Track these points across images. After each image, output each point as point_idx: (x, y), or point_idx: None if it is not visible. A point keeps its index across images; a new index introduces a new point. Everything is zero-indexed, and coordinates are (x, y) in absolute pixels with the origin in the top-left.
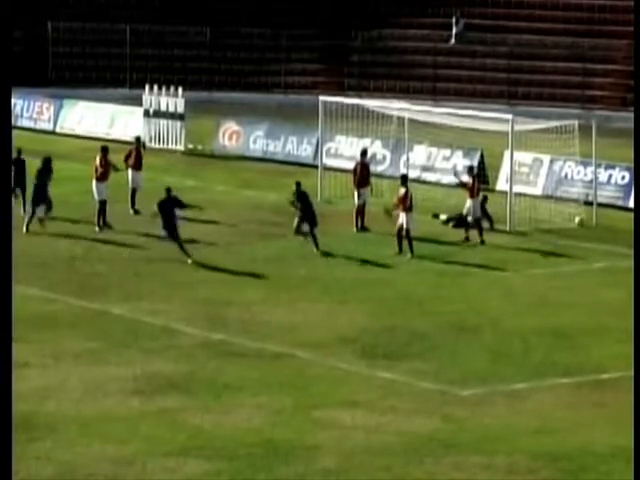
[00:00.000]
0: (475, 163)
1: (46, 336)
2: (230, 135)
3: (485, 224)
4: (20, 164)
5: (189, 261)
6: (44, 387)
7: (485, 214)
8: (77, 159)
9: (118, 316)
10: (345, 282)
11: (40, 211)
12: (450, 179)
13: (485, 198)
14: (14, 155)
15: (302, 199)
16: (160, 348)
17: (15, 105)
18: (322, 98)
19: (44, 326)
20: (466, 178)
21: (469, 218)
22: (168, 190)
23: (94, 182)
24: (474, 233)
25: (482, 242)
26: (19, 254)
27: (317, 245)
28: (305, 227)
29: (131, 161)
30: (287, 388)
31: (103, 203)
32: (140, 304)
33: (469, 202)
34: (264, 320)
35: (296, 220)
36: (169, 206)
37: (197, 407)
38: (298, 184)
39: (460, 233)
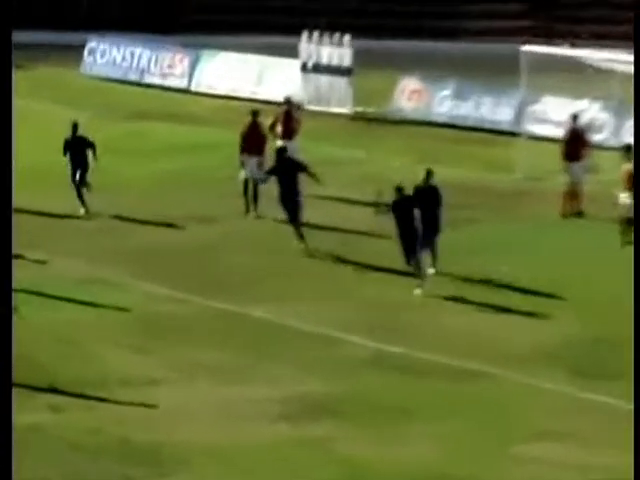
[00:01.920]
0: None
1: (174, 346)
2: (409, 95)
3: None
4: (79, 143)
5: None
6: (173, 410)
7: None
8: (216, 123)
9: (261, 321)
10: (545, 281)
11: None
12: None
13: None
14: (69, 133)
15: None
16: (314, 362)
17: (141, 57)
18: (525, 48)
19: (171, 333)
20: None
21: None
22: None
23: (242, 156)
24: None
25: None
26: (135, 245)
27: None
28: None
29: (280, 128)
30: (474, 413)
31: (256, 184)
32: (289, 306)
33: None
34: (445, 328)
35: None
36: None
37: (358, 436)
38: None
39: None
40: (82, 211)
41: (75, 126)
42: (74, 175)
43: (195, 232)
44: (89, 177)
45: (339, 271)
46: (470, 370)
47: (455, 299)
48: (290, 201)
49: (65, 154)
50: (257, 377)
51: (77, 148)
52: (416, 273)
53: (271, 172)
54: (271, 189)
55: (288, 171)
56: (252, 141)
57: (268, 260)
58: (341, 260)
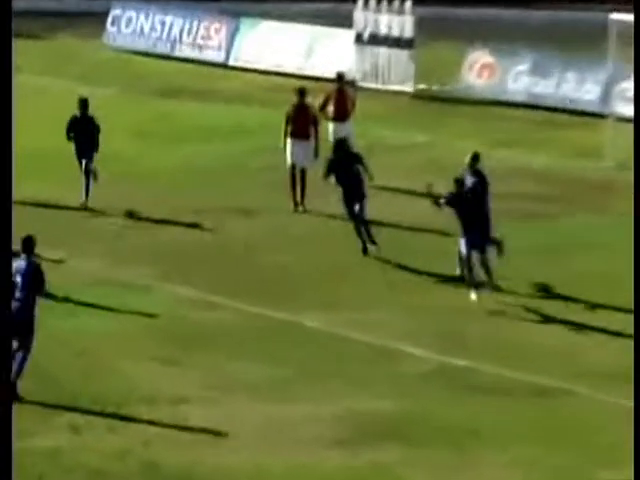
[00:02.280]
0: None
1: (209, 358)
2: (480, 70)
3: None
4: (87, 123)
5: (372, 249)
6: (207, 431)
7: None
8: (258, 103)
9: (312, 330)
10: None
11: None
12: None
13: None
14: (76, 110)
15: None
16: (373, 377)
17: (172, 26)
18: (614, 16)
19: (205, 343)
20: None
21: None
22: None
23: (289, 141)
24: None
25: None
26: (163, 242)
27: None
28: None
29: (332, 108)
30: (557, 437)
31: (303, 172)
32: (340, 314)
33: None
34: (515, 340)
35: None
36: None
37: (423, 461)
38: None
39: None
40: (81, 202)
41: (84, 102)
42: (80, 161)
43: (233, 228)
44: (98, 164)
45: (398, 274)
46: (545, 386)
47: (527, 308)
48: (358, 201)
49: (69, 136)
50: (304, 394)
51: (85, 129)
52: (466, 276)
53: (331, 169)
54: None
55: (349, 166)
56: (299, 123)
57: (317, 261)
58: (401, 262)
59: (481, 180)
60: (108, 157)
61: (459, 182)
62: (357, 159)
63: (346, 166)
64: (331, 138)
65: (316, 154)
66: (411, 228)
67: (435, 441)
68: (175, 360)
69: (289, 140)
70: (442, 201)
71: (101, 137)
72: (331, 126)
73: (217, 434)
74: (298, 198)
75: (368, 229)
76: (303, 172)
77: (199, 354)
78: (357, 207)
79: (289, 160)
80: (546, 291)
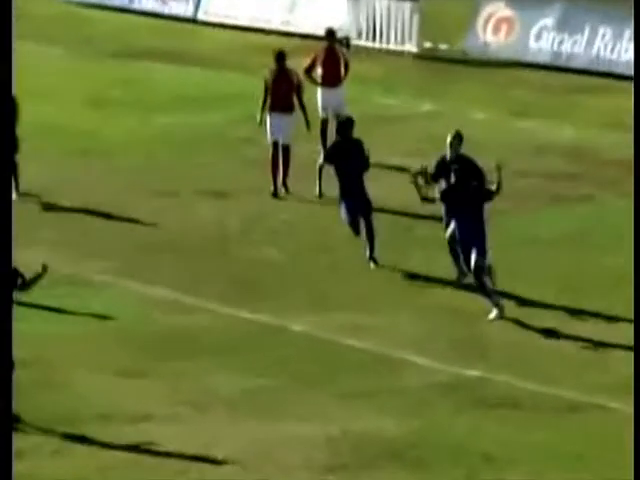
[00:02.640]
0: None
1: (179, 368)
2: (496, 25)
3: None
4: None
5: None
6: (177, 455)
7: None
8: (233, 66)
9: (300, 335)
10: None
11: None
12: None
13: None
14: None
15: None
16: (372, 391)
17: None
18: None
19: (175, 351)
20: None
21: None
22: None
23: (268, 114)
24: None
25: None
26: (128, 232)
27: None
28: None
29: (321, 72)
30: (591, 459)
31: (286, 149)
32: (336, 317)
33: None
34: (548, 348)
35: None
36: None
37: None
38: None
39: None
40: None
41: None
42: None
43: (207, 214)
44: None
45: (400, 269)
46: (575, 401)
47: (554, 309)
48: (358, 199)
49: None
50: (292, 411)
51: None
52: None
53: (329, 157)
54: (306, 155)
55: (351, 155)
56: (280, 93)
57: (307, 255)
58: (403, 254)
59: (470, 170)
60: (58, 130)
61: (444, 164)
62: (358, 147)
63: (346, 156)
64: (320, 107)
65: (307, 126)
66: (416, 215)
67: (445, 466)
68: (139, 371)
69: (269, 114)
70: (436, 196)
71: (49, 106)
72: (320, 93)
73: (188, 458)
74: (280, 182)
75: (372, 243)
76: (286, 150)
77: (167, 364)
78: (362, 220)
79: (269, 137)
80: (575, 289)
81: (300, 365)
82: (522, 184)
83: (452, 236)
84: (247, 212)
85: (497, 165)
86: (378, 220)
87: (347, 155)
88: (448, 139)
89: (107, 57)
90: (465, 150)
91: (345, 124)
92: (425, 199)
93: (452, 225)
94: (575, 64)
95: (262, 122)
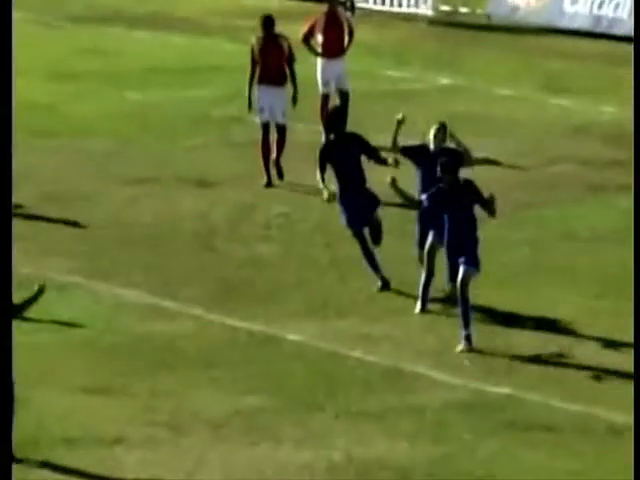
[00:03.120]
0: None
1: (156, 385)
2: None
3: None
4: None
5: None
6: None
7: None
8: (217, 33)
9: (296, 346)
10: None
11: None
12: None
13: None
14: None
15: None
16: (379, 410)
17: None
18: None
19: (152, 365)
20: None
21: None
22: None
23: (256, 88)
24: None
25: None
26: (98, 226)
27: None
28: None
29: (321, 39)
30: None
31: (282, 130)
32: (339, 323)
33: None
34: (590, 361)
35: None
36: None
37: None
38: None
39: None
40: None
41: None
42: None
43: (190, 206)
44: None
45: (411, 270)
46: (625, 425)
47: (595, 315)
48: (362, 199)
49: None
50: (287, 433)
51: None
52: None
53: (322, 162)
54: (302, 136)
55: (349, 154)
56: (269, 63)
57: (304, 253)
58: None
59: (458, 162)
60: (15, 107)
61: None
62: (357, 142)
63: (343, 153)
64: (320, 81)
65: (294, 101)
66: None
67: None
68: (109, 387)
69: (257, 87)
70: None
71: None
72: (319, 64)
73: None
74: (273, 169)
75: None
76: (282, 131)
77: (143, 379)
78: (367, 229)
79: (259, 116)
80: (619, 292)
81: (297, 381)
82: (556, 171)
83: (432, 246)
84: (235, 203)
85: (491, 195)
86: (387, 215)
87: (344, 154)
88: (432, 131)
89: (72, 22)
90: (488, 132)
91: (334, 117)
92: (408, 200)
93: (431, 234)
94: (617, 31)
95: (251, 103)
